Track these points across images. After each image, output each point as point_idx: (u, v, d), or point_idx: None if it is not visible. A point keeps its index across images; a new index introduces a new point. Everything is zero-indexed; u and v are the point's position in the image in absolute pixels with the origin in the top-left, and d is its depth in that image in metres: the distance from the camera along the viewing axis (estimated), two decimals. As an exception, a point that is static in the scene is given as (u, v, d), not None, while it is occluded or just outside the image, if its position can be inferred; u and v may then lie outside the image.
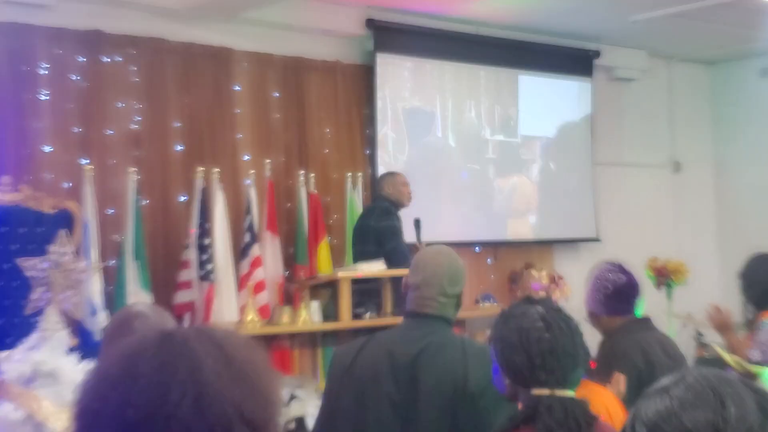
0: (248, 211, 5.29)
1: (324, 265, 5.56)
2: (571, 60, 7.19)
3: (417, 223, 5.29)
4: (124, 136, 5.19)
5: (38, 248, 4.07)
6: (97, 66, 5.12)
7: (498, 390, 1.96)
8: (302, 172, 5.67)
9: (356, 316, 4.87)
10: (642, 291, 3.01)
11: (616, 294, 2.92)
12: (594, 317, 3.00)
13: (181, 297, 4.95)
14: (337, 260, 5.71)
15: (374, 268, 4.90)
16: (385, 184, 5.41)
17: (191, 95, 5.45)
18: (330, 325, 4.90)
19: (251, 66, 5.73)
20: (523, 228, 7.00)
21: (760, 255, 3.57)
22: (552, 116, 7.14)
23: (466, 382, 2.18)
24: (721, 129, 8.24)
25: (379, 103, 6.16)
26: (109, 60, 5.18)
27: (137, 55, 5.27)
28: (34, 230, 4.59)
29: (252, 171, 5.44)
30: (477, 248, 6.75)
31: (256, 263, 5.19)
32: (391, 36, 6.20)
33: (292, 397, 4.55)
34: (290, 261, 5.59)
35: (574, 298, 5.59)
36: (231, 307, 5.06)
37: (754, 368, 3.16)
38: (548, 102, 7.06)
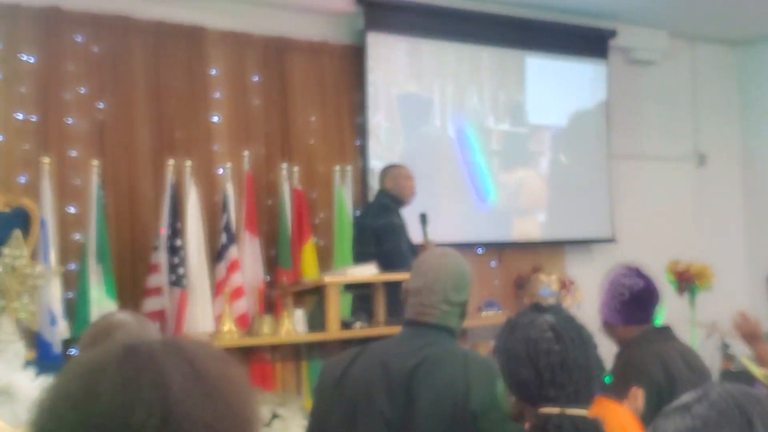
0: (225, 208, 5.29)
1: (309, 268, 5.56)
2: (584, 40, 7.19)
3: (423, 218, 5.29)
4: (86, 125, 5.17)
5: (-10, 250, 4.06)
6: (55, 46, 5.11)
7: (503, 409, 1.96)
8: (285, 165, 5.67)
9: (345, 325, 4.86)
10: (662, 297, 3.02)
11: (634, 301, 2.93)
12: (609, 327, 3.01)
13: (150, 305, 4.94)
14: (324, 263, 5.71)
15: (365, 271, 4.90)
16: (385, 178, 5.42)
17: (161, 79, 5.44)
18: (316, 336, 4.88)
19: (228, 47, 5.72)
20: (531, 227, 7.01)
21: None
22: (563, 103, 7.14)
23: (467, 399, 2.17)
24: (750, 117, 8.26)
25: (371, 89, 6.16)
26: (68, 40, 5.16)
27: (100, 34, 5.25)
28: (-15, 230, 4.57)
29: (229, 164, 5.44)
30: (479, 249, 6.76)
31: (234, 267, 5.19)
32: (383, 13, 6.20)
33: (274, 416, 4.54)
34: (272, 264, 5.59)
35: (587, 306, 5.60)
36: (205, 316, 5.06)
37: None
38: (559, 87, 7.07)
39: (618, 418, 2.28)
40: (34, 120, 5.02)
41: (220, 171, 5.49)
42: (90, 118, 5.20)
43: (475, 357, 2.34)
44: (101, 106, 5.25)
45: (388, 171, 5.49)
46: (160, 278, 4.98)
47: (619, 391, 2.59)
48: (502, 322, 2.03)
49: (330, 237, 5.85)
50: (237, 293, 5.11)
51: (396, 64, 6.34)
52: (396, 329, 2.49)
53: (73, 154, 5.10)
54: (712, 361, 5.80)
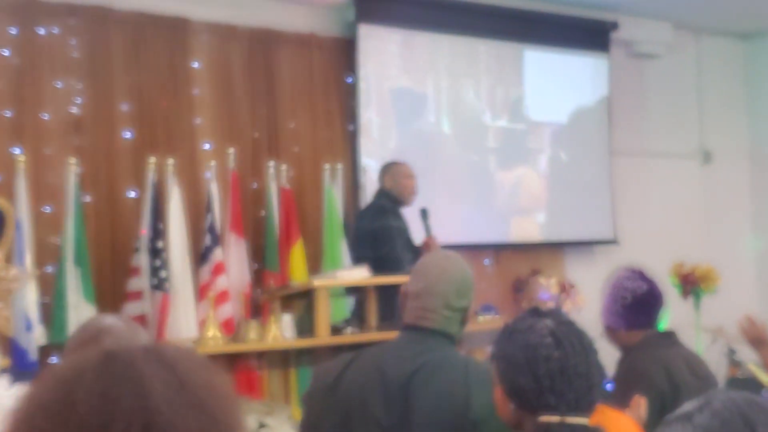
0: (209, 208, 5.28)
1: (298, 271, 5.55)
2: (585, 33, 7.21)
3: (424, 213, 5.30)
4: (63, 121, 5.16)
5: (-38, 253, 4.05)
6: (30, 39, 5.09)
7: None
8: (272, 163, 5.66)
9: (336, 331, 4.87)
10: (666, 301, 3.03)
11: (637, 305, 2.94)
12: (611, 331, 3.02)
13: (131, 309, 4.93)
14: (314, 266, 5.71)
15: (356, 275, 4.90)
16: (385, 176, 5.41)
17: (141, 73, 5.43)
18: (305, 342, 4.88)
19: (212, 39, 5.71)
20: (530, 228, 7.02)
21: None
22: (563, 98, 7.16)
23: (468, 408, 2.17)
24: (758, 113, 8.29)
25: (362, 83, 6.16)
26: (44, 32, 5.15)
27: (78, 25, 5.24)
28: (-44, 232, 4.56)
29: (213, 162, 5.43)
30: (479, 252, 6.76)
31: (219, 270, 5.18)
32: (375, 4, 6.20)
33: (261, 426, 4.54)
34: (258, 267, 5.58)
35: (588, 310, 5.61)
36: (189, 321, 5.05)
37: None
38: (558, 82, 7.08)
39: (620, 427, 2.28)
40: (8, 116, 5.01)
41: (204, 170, 5.48)
42: (67, 114, 5.18)
43: (475, 364, 2.34)
44: (79, 101, 5.23)
45: (387, 169, 5.47)
46: (141, 282, 4.97)
47: (621, 398, 2.59)
48: (499, 328, 2.03)
49: (319, 238, 5.84)
50: (222, 297, 5.10)
51: (388, 58, 6.34)
52: (388, 335, 2.48)
53: (50, 151, 5.08)
54: (717, 367, 5.81)
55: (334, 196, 5.83)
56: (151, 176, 5.09)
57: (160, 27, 5.51)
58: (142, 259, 4.99)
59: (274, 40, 5.93)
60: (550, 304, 5.95)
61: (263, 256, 5.58)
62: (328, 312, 4.84)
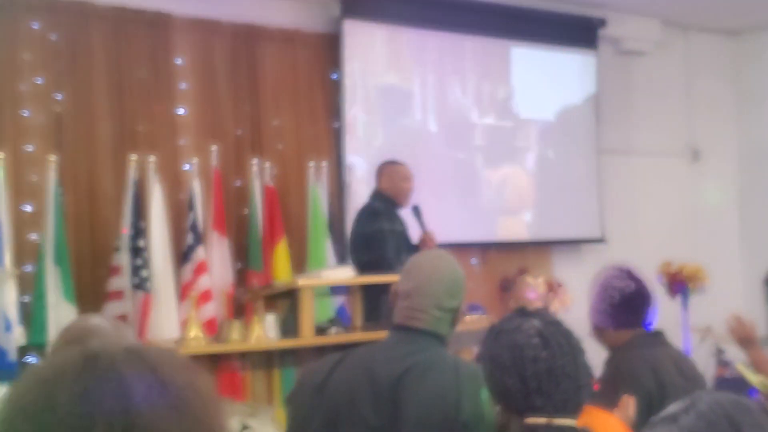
0: (191, 207, 5.27)
1: (282, 270, 5.54)
2: (573, 29, 7.23)
3: (416, 211, 5.28)
4: (42, 118, 5.14)
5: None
6: (9, 34, 5.07)
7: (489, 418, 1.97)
8: (256, 160, 5.65)
9: (320, 331, 4.86)
10: (654, 300, 3.04)
11: (624, 304, 2.95)
12: (599, 331, 3.03)
13: (111, 309, 4.91)
14: (298, 265, 5.70)
15: (341, 274, 4.90)
16: (381, 176, 5.33)
17: (123, 69, 5.41)
18: (289, 343, 4.87)
19: (194, 34, 5.70)
20: (517, 227, 7.04)
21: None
22: (550, 95, 7.18)
23: (458, 410, 2.18)
24: (747, 110, 8.33)
25: (347, 80, 6.16)
26: (24, 27, 5.12)
27: (58, 20, 5.22)
28: (-67, 230, 4.54)
29: (195, 159, 5.42)
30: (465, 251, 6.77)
31: (201, 269, 5.17)
32: None
33: (244, 428, 4.53)
34: (242, 266, 5.57)
35: (576, 309, 5.63)
36: (170, 322, 5.03)
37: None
38: (546, 78, 7.10)
39: (608, 428, 2.29)
40: (-14, 112, 4.99)
41: (186, 167, 5.47)
42: (47, 111, 5.16)
43: (466, 366, 2.34)
44: (59, 97, 5.21)
45: (384, 169, 5.39)
46: (122, 281, 4.96)
47: (608, 399, 2.60)
48: (486, 328, 2.04)
49: (303, 237, 5.83)
50: (204, 297, 5.09)
51: (374, 54, 6.34)
52: (374, 335, 2.49)
53: (29, 148, 5.06)
54: (705, 367, 5.84)
55: (319, 195, 5.83)
56: (132, 174, 5.08)
57: (141, 22, 5.49)
58: (123, 258, 4.97)
59: (258, 36, 5.92)
60: (538, 304, 5.97)
61: (246, 255, 5.58)
62: (313, 312, 4.83)
